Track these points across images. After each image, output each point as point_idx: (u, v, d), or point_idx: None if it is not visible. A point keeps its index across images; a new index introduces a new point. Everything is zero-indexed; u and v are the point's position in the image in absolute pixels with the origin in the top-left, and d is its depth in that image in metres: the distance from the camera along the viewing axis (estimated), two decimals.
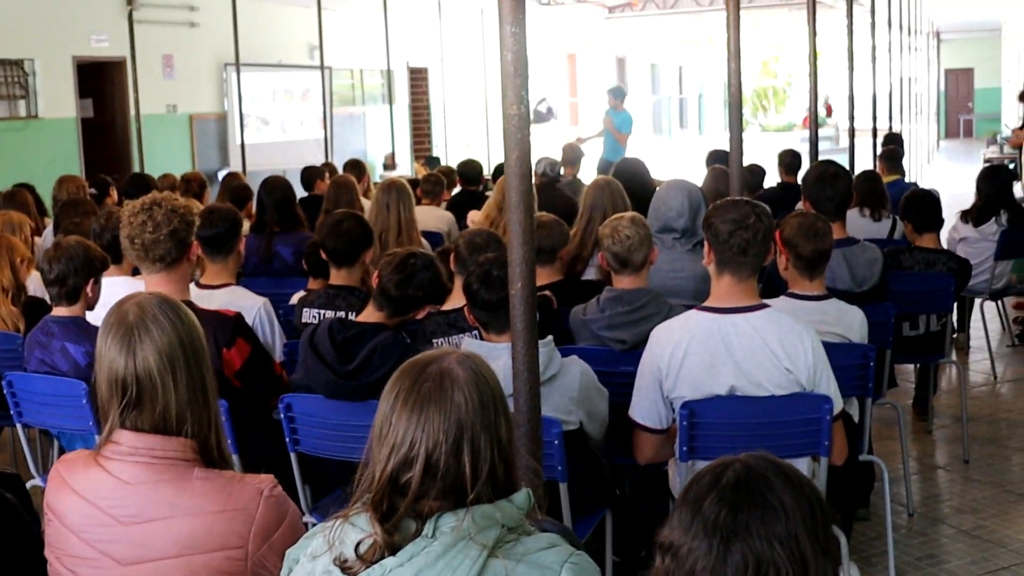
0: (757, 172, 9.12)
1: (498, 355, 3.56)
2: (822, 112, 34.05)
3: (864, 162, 11.17)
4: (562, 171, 10.12)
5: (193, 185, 9.56)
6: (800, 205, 6.01)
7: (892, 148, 10.76)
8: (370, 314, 4.25)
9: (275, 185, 7.43)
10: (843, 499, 4.63)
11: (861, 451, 4.91)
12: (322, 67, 17.62)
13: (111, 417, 2.62)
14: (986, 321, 8.86)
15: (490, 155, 20.09)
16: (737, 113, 5.11)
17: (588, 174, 11.09)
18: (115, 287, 4.93)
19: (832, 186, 5.76)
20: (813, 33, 7.89)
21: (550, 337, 3.81)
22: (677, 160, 30.06)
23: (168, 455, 2.58)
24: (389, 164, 20.47)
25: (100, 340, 2.66)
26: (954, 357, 7.76)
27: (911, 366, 7.86)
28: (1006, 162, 16.09)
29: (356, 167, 10.46)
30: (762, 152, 16.16)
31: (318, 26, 16.53)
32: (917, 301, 6.46)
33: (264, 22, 18.72)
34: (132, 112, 13.58)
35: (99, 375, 2.65)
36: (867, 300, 5.35)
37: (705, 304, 3.94)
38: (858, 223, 7.44)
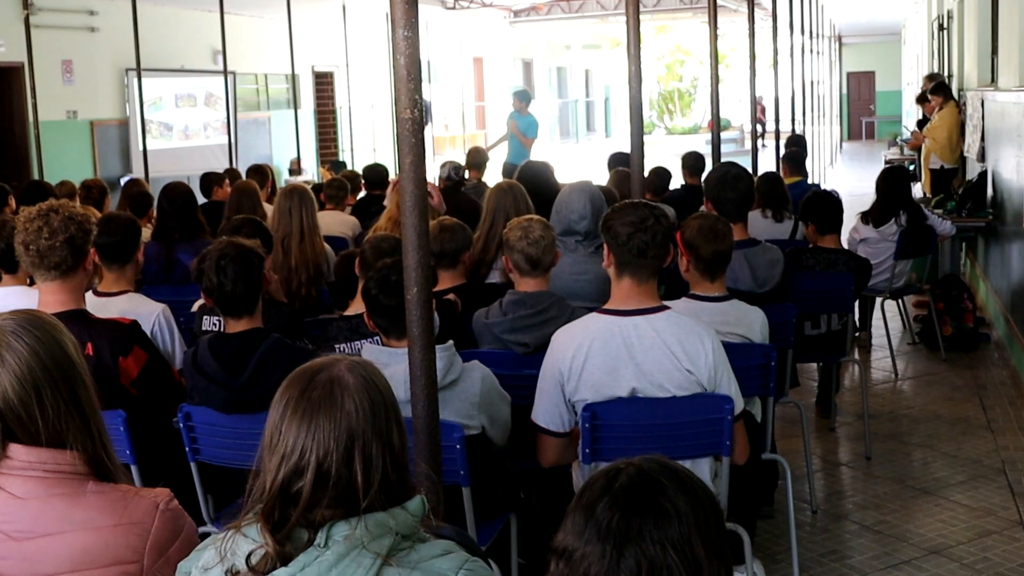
0: (663, 175, 9.19)
1: (397, 360, 3.54)
2: (705, 124, 34.50)
3: (768, 164, 11.31)
4: (467, 175, 10.11)
5: (93, 192, 9.40)
6: (703, 207, 6.06)
7: (794, 150, 10.91)
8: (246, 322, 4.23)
9: (175, 192, 7.32)
10: (747, 497, 4.66)
11: (764, 450, 4.97)
12: (225, 72, 17.43)
13: None
14: (887, 320, 9.01)
15: (396, 159, 20.01)
16: (637, 116, 5.13)
17: (493, 178, 11.07)
18: (8, 296, 4.85)
19: (734, 188, 5.82)
20: (714, 37, 7.99)
21: (450, 342, 3.80)
22: (584, 163, 30.30)
23: (62, 468, 2.53)
24: (295, 169, 20.33)
25: None
26: (856, 356, 7.89)
27: (814, 365, 7.97)
28: (906, 163, 16.39)
29: (259, 172, 10.36)
30: (669, 154, 16.26)
31: (221, 30, 16.36)
32: (818, 301, 6.55)
33: (166, 27, 18.49)
34: (30, 118, 13.31)
35: None
36: (769, 300, 5.40)
37: (606, 307, 3.95)
38: (760, 224, 7.54)
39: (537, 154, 14.85)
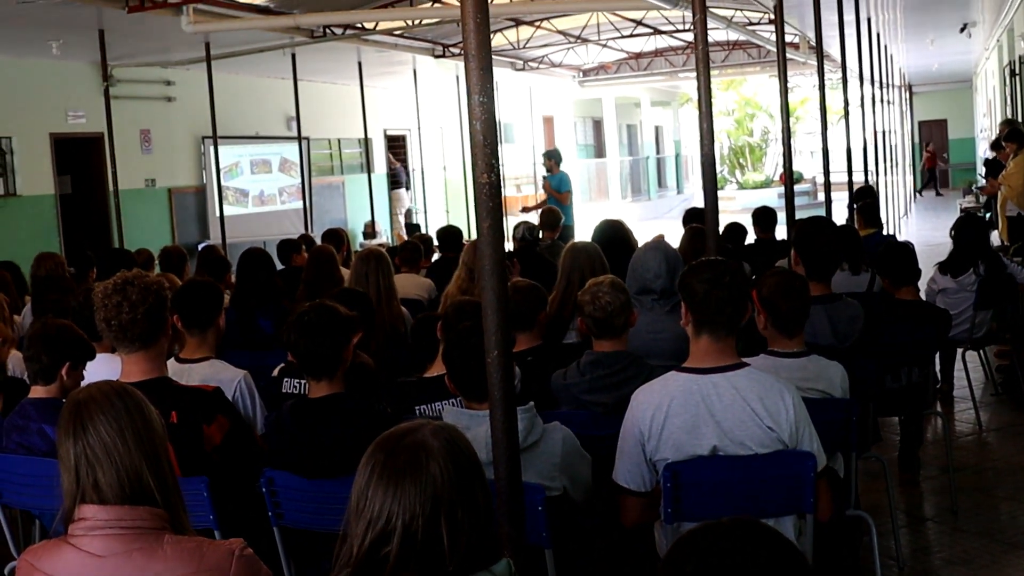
0: (738, 230, 9.17)
1: (478, 423, 3.55)
2: (777, 177, 34.32)
3: (840, 216, 11.24)
4: (541, 235, 10.16)
5: (173, 259, 9.56)
6: (782, 261, 6.04)
7: (867, 201, 10.84)
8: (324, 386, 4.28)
9: (254, 257, 7.43)
10: (833, 555, 4.60)
11: (848, 506, 4.90)
12: (299, 137, 17.72)
13: (75, 498, 2.64)
14: (968, 371, 8.88)
15: (469, 221, 20.17)
16: (711, 173, 5.14)
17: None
18: (95, 365, 4.93)
19: (822, 243, 5.83)
20: (785, 91, 7.98)
21: (531, 403, 3.80)
22: (656, 220, 30.28)
23: (136, 524, 2.58)
24: (369, 232, 20.51)
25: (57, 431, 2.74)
26: (938, 408, 7.77)
27: (896, 419, 7.86)
28: (981, 211, 16.22)
29: (334, 237, 10.49)
30: (741, 208, 16.18)
31: (295, 97, 16.64)
32: (899, 354, 6.47)
33: (241, 94, 18.82)
34: (111, 187, 13.61)
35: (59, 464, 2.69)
36: (849, 355, 5.36)
37: (685, 365, 3.94)
38: (837, 277, 7.47)
39: (607, 213, 15.01)
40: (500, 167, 2.72)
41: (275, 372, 5.47)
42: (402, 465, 2.11)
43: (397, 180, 23.88)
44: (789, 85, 30.65)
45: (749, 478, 3.81)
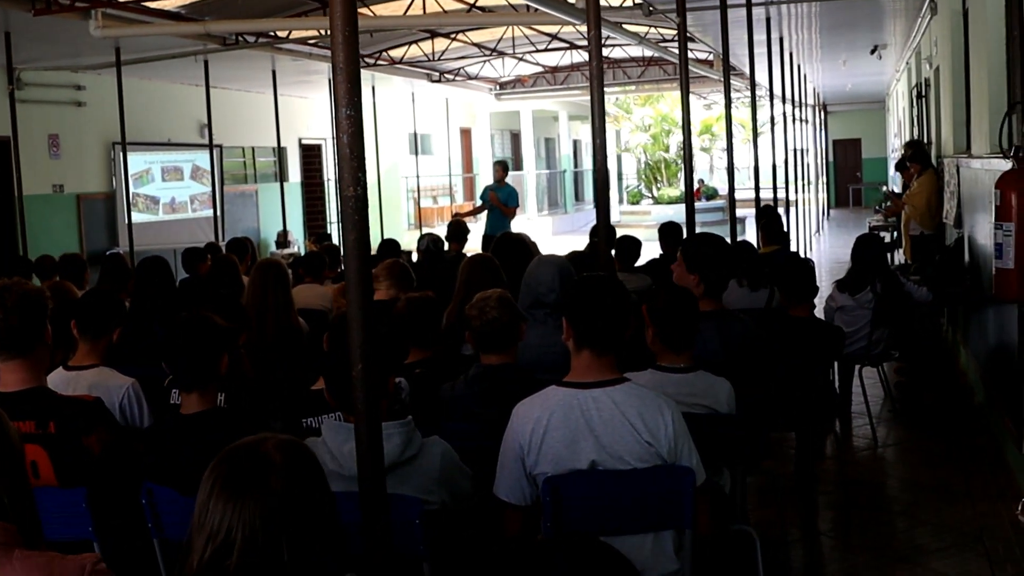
0: (628, 245, 9.20)
1: (352, 436, 3.54)
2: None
3: (751, 233, 11.37)
4: (447, 247, 10.17)
5: (71, 266, 9.43)
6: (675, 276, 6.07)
7: (768, 219, 10.96)
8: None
9: (151, 265, 7.36)
10: (717, 571, 4.64)
11: (733, 522, 4.94)
12: (211, 145, 17.57)
13: None
14: (866, 387, 9.02)
15: (382, 230, 20.12)
16: (602, 186, 5.18)
17: (475, 250, 11.11)
18: None
19: (714, 259, 5.86)
20: (686, 107, 8.06)
21: (409, 417, 3.80)
22: (573, 233, 30.40)
23: None
24: (282, 242, 20.40)
25: None
26: (836, 424, 7.88)
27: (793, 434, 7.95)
28: (889, 230, 16.48)
29: (239, 246, 10.40)
30: (658, 223, 16.20)
31: (207, 104, 16.50)
32: (793, 370, 6.55)
33: (152, 100, 18.64)
34: (15, 192, 13.39)
35: None
36: (741, 371, 5.41)
37: (565, 379, 3.96)
38: (736, 294, 7.55)
39: (520, 226, 14.98)
40: (365, 179, 2.72)
41: (166, 382, 5.41)
42: (243, 478, 2.10)
43: None
44: (706, 102, 31.00)
45: (627, 493, 3.83)
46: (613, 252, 8.46)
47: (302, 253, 19.11)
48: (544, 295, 5.60)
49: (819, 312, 8.00)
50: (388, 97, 24.28)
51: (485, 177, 30.15)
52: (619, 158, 41.83)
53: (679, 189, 33.28)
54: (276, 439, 2.17)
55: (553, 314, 5.59)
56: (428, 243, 9.28)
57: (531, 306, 5.56)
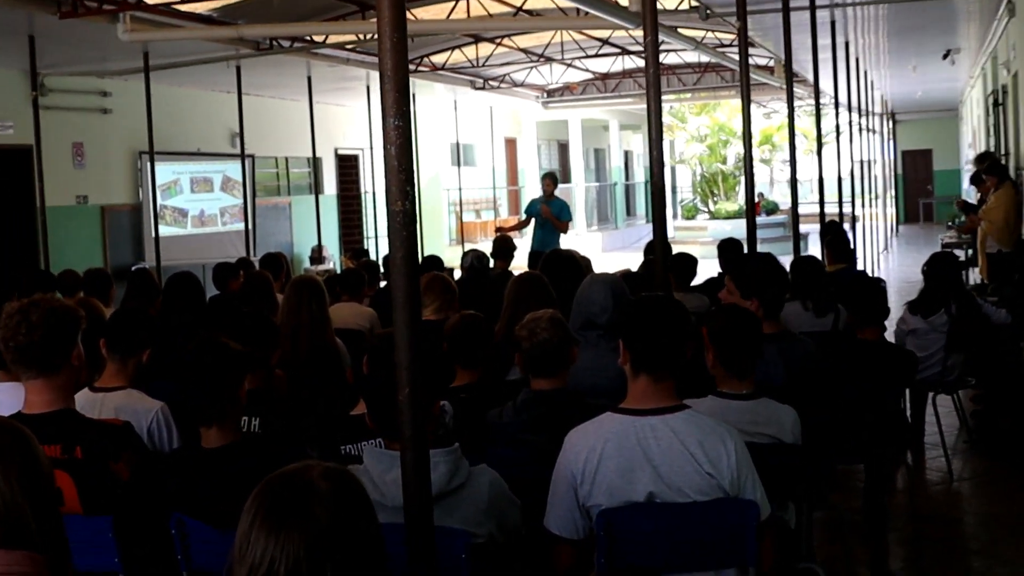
0: (686, 263, 9.15)
1: (398, 464, 3.54)
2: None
3: (815, 251, 11.32)
4: (492, 264, 10.18)
5: (96, 281, 9.49)
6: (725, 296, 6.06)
7: (834, 236, 10.89)
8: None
9: (181, 281, 7.42)
10: None
11: (800, 559, 4.92)
12: (243, 155, 17.68)
13: None
14: (940, 416, 8.92)
15: (422, 246, 20.18)
16: (659, 201, 5.18)
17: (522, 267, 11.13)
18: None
19: (768, 279, 5.85)
20: (747, 115, 8.04)
21: (456, 444, 3.79)
22: (624, 250, 30.34)
23: (13, 570, 2.55)
24: (316, 257, 20.49)
25: None
26: (907, 455, 7.80)
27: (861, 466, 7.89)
28: (964, 247, 16.36)
29: (273, 262, 10.45)
30: (715, 239, 16.17)
31: (239, 112, 16.60)
32: (862, 397, 6.50)
33: (181, 108, 18.78)
34: (38, 203, 13.54)
35: None
36: (804, 398, 5.38)
37: (621, 405, 3.95)
38: (800, 318, 7.50)
39: (568, 242, 14.94)
40: (414, 192, 2.73)
41: None
42: (286, 509, 2.10)
43: None
44: (766, 110, 30.85)
45: (687, 527, 3.82)
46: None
47: (338, 270, 19.21)
48: (597, 315, 5.60)
49: (890, 335, 7.93)
50: (429, 105, 24.41)
51: (531, 190, 30.22)
52: (673, 170, 41.77)
53: (737, 203, 33.18)
54: (321, 467, 2.18)
55: (606, 336, 5.59)
56: (472, 260, 9.31)
57: (583, 327, 5.56)
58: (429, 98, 23.48)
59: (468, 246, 20.75)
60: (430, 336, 5.11)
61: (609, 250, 31.74)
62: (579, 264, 8.04)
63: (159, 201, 16.94)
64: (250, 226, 18.79)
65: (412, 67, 19.87)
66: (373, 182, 22.90)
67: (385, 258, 10.70)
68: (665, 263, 5.26)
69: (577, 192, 33.76)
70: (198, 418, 4.17)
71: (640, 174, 43.78)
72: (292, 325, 6.70)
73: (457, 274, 10.84)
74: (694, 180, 39.27)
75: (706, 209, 35.76)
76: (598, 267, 8.80)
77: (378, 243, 22.45)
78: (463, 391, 5.25)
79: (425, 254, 11.00)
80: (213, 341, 4.28)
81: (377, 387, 3.82)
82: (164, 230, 17.25)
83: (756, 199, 12.00)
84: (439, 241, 26.57)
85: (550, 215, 15.42)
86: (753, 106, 8.68)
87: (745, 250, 8.55)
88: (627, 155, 43.19)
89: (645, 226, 37.84)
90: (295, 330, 6.69)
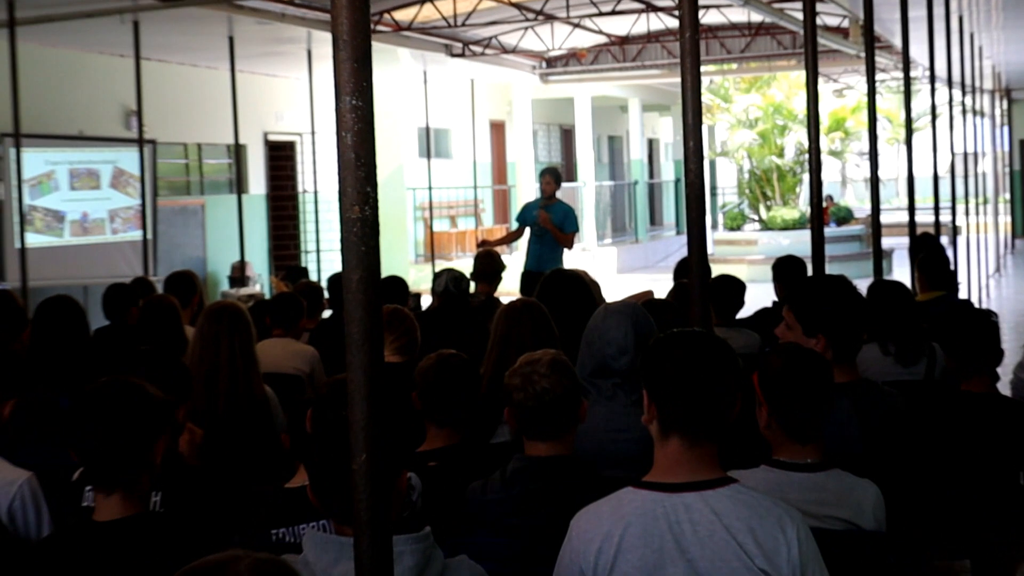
0: (731, 288, 9.16)
1: (350, 554, 3.55)
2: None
3: (903, 273, 11.28)
4: (473, 288, 10.20)
5: None
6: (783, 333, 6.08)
7: (928, 254, 10.89)
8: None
9: (56, 310, 7.42)
10: None
11: None
12: (141, 140, 17.68)
13: None
14: None
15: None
16: (696, 205, 5.20)
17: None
18: None
19: (840, 311, 5.86)
20: (812, 94, 8.02)
21: (427, 529, 3.81)
22: (647, 270, 30.38)
23: None
24: (237, 277, 20.48)
25: None
26: None
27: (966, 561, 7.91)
28: None
29: (181, 284, 10.45)
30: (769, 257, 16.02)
31: (136, 83, 16.58)
32: (968, 469, 6.52)
33: (59, 76, 18.77)
34: None
35: None
36: (890, 469, 5.40)
37: (646, 479, 3.96)
38: (882, 362, 7.51)
39: (574, 260, 14.94)
40: (375, 195, 2.75)
41: (75, 475, 5.46)
42: None
43: None
44: (837, 86, 30.96)
45: None
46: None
47: (267, 295, 19.20)
48: (613, 358, 5.62)
49: (1004, 387, 7.96)
50: (390, 77, 24.40)
51: (525, 191, 30.22)
52: (712, 165, 41.84)
53: (798, 209, 33.15)
54: (251, 559, 2.20)
55: (624, 385, 5.61)
56: (447, 283, 9.31)
57: (594, 374, 5.58)
58: (390, 68, 23.47)
59: (441, 264, 20.78)
60: (395, 385, 5.14)
61: (628, 270, 31.79)
62: (589, 289, 8.08)
63: (26, 200, 16.90)
64: (150, 235, 18.79)
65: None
66: (315, 179, 22.94)
67: (331, 279, 10.73)
68: (703, 288, 5.26)
69: (586, 194, 33.75)
70: (99, 480, 4.19)
71: (669, 170, 43.86)
72: (207, 368, 6.70)
73: (426, 301, 10.86)
74: (740, 178, 39.33)
75: (756, 217, 35.77)
76: (612, 293, 8.83)
77: (320, 259, 22.39)
78: (436, 456, 5.26)
79: (384, 276, 10.99)
80: (122, 381, 4.30)
81: (323, 452, 3.83)
82: (33, 239, 17.25)
83: (824, 203, 11.92)
84: (401, 257, 26.52)
85: (550, 224, 15.34)
86: (820, 80, 8.63)
87: (808, 271, 8.56)
88: (651, 145, 43.27)
89: (675, 239, 37.92)
90: (211, 375, 6.70)
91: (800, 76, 30.93)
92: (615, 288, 8.89)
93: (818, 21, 10.67)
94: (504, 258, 12.11)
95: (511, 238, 17.47)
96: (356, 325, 2.79)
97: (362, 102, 2.77)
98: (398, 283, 10.21)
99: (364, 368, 2.80)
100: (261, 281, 22.15)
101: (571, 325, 6.59)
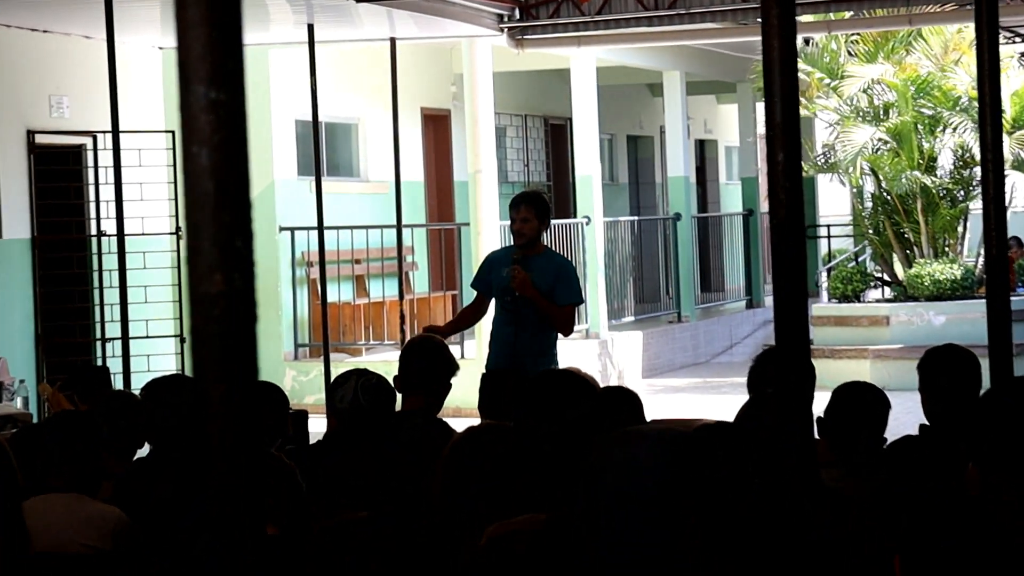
0: (863, 405, 9.25)
1: None
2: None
3: None
4: (398, 400, 10.30)
5: None
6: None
7: None
8: None
9: None
10: None
11: None
12: None
13: None
14: None
15: None
16: (794, 260, 5.28)
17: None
18: None
19: None
20: (993, 64, 8.14)
21: None
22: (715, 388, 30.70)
23: None
24: None
25: None
26: None
27: None
28: None
29: None
30: None
31: None
32: None
33: None
34: None
35: None
36: None
37: None
38: None
39: (571, 351, 14.95)
40: (251, 245, 2.80)
41: None
42: None
43: None
44: (1020, 47, 31.38)
45: None
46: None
47: (34, 415, 19.25)
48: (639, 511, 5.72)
49: None
50: (250, 43, 24.49)
51: (487, 231, 29.96)
52: (810, 187, 41.78)
53: (960, 263, 33.31)
54: None
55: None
56: (357, 393, 9.41)
57: None
58: (252, 28, 23.57)
59: (342, 362, 20.83)
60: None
61: (663, 369, 31.85)
62: (599, 400, 8.18)
63: None
64: None
65: None
66: (120, 210, 22.99)
67: (149, 390, 10.75)
68: (805, 405, 5.33)
69: (591, 236, 33.46)
70: None
71: (734, 196, 43.65)
72: None
73: (320, 424, 10.91)
74: (858, 210, 39.34)
75: (887, 277, 36.04)
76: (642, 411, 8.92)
77: (128, 352, 22.29)
78: None
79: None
80: None
81: None
82: None
83: (1009, 252, 11.77)
84: (272, 348, 26.43)
85: (531, 290, 15.18)
86: (1001, 38, 8.70)
87: (985, 376, 8.66)
88: (702, 151, 43.33)
89: (743, 314, 38.06)
90: None
91: (966, 32, 31.15)
92: (651, 405, 8.82)
93: None
94: (453, 350, 12.13)
95: (467, 317, 17.25)
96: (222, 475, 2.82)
97: (227, 94, 2.74)
98: (271, 395, 10.21)
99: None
100: (27, 390, 22.16)
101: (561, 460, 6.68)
